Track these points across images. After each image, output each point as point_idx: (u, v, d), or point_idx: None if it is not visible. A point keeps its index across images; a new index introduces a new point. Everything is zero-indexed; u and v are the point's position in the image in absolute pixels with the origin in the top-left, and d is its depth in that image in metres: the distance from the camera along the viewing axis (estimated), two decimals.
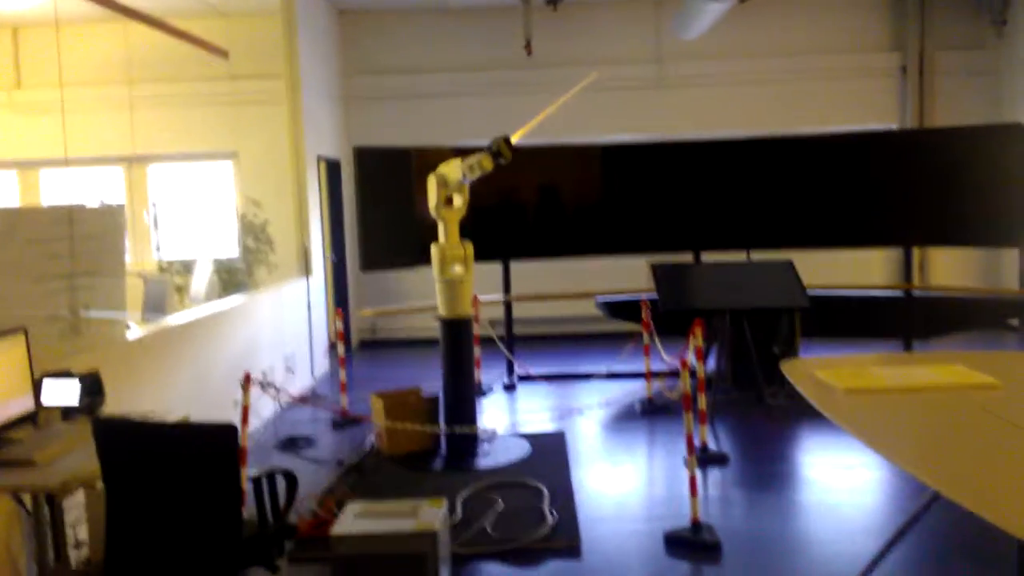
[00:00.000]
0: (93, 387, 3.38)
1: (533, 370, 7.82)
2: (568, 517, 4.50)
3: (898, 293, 8.21)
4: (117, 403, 3.95)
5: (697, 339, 5.61)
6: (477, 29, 9.95)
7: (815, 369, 3.44)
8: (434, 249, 5.54)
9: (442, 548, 3.68)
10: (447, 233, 5.54)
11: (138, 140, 9.20)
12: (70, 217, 4.11)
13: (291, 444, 6.06)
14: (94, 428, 2.66)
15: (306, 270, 7.85)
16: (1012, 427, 2.63)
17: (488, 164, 5.27)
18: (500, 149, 5.19)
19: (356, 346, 9.89)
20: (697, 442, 5.55)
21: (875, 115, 9.79)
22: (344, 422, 6.51)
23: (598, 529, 4.41)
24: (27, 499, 3.12)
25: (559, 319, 9.82)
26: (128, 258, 9.56)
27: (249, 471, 3.02)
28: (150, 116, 9.17)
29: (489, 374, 7.86)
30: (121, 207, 4.91)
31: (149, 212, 9.59)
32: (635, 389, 6.98)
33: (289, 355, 7.46)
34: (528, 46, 9.57)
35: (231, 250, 8.85)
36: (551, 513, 4.50)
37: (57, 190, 9.77)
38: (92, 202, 4.56)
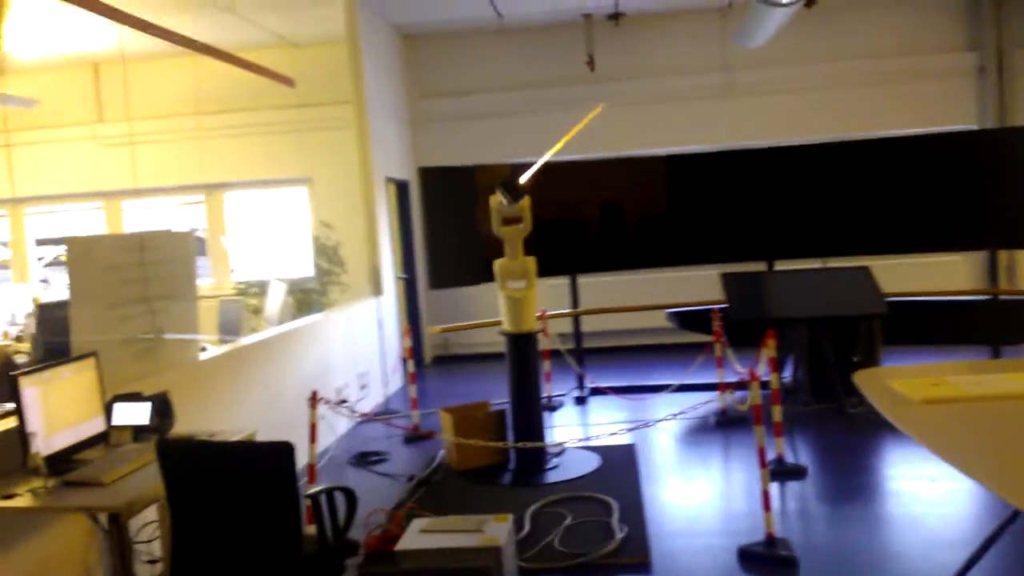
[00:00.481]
0: (163, 408, 3.47)
1: (604, 383, 7.75)
2: (638, 532, 4.43)
3: (985, 297, 7.87)
4: (189, 422, 4.05)
5: (769, 349, 5.50)
6: (539, 47, 9.98)
7: (889, 379, 3.32)
8: (496, 265, 5.55)
9: (507, 563, 3.66)
10: (509, 250, 5.55)
11: (216, 168, 9.52)
12: (141, 244, 4.24)
13: (364, 459, 6.13)
14: (157, 449, 2.73)
15: (376, 289, 7.95)
16: None
17: (504, 200, 5.43)
18: (502, 192, 5.39)
19: (430, 361, 9.97)
20: (773, 455, 5.43)
21: (952, 117, 9.45)
22: (415, 437, 6.56)
23: (669, 544, 4.32)
24: (103, 518, 3.20)
25: (630, 331, 9.74)
26: (209, 280, 9.92)
27: (312, 489, 3.05)
28: (227, 145, 9.45)
29: (560, 387, 7.83)
30: (192, 232, 5.06)
31: (227, 237, 9.87)
32: (708, 401, 6.84)
33: (362, 372, 7.56)
34: (591, 61, 9.57)
35: (305, 271, 9.03)
36: (620, 528, 4.44)
37: (140, 219, 10.15)
38: (174, 229, 4.71)
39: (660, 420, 6.36)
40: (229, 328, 6.66)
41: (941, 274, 9.03)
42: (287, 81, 7.55)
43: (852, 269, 6.74)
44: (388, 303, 8.60)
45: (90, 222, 10.21)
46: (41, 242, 10.28)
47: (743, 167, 7.77)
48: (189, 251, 4.83)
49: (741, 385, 6.86)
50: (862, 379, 3.44)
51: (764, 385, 5.84)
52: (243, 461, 2.68)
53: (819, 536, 4.35)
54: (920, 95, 9.48)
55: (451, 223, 7.27)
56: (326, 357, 6.81)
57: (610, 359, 9.27)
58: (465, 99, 10.05)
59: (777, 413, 5.31)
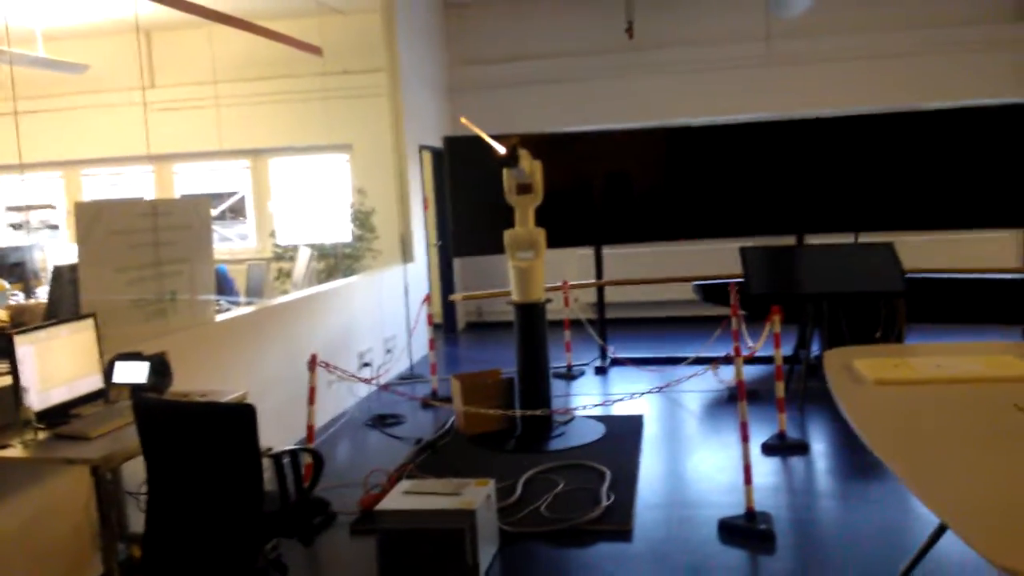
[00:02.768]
0: (160, 368, 3.68)
1: (629, 353, 7.82)
2: (626, 501, 4.53)
3: (1018, 276, 7.67)
4: (198, 382, 4.27)
5: (774, 325, 5.51)
6: (579, 14, 9.95)
7: (854, 358, 3.33)
8: (507, 236, 5.65)
9: (484, 526, 3.80)
10: (520, 218, 5.64)
11: (262, 135, 9.79)
12: (154, 209, 4.46)
13: (380, 421, 6.34)
14: (133, 406, 2.92)
15: (404, 256, 8.12)
16: None
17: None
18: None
19: (462, 328, 10.15)
20: (776, 430, 5.47)
21: (1002, 89, 9.13)
22: (433, 402, 6.74)
23: (654, 514, 4.41)
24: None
25: (659, 303, 9.77)
26: (253, 244, 10.24)
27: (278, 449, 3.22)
28: (272, 111, 9.70)
29: (585, 357, 7.92)
30: (207, 198, 5.26)
31: (272, 202, 10.16)
32: (692, 376, 6.81)
33: (389, 337, 7.76)
34: (630, 29, 9.50)
35: (340, 237, 9.25)
36: (607, 496, 4.54)
37: (190, 182, 10.50)
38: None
39: (676, 392, 6.46)
40: (255, 291, 6.91)
41: (986, 251, 8.82)
42: (314, 49, 7.71)
43: (875, 245, 6.64)
44: (420, 270, 8.78)
45: (144, 185, 10.59)
46: None
47: (776, 138, 7.65)
48: (204, 217, 5.04)
49: (753, 360, 6.94)
50: (830, 357, 3.46)
51: (770, 360, 5.88)
52: (207, 421, 2.86)
53: (805, 512, 4.39)
54: (969, 67, 9.19)
55: (476, 192, 7.37)
56: (351, 322, 7.01)
57: (637, 330, 9.32)
58: (504, 67, 10.08)
59: (779, 389, 5.36)
